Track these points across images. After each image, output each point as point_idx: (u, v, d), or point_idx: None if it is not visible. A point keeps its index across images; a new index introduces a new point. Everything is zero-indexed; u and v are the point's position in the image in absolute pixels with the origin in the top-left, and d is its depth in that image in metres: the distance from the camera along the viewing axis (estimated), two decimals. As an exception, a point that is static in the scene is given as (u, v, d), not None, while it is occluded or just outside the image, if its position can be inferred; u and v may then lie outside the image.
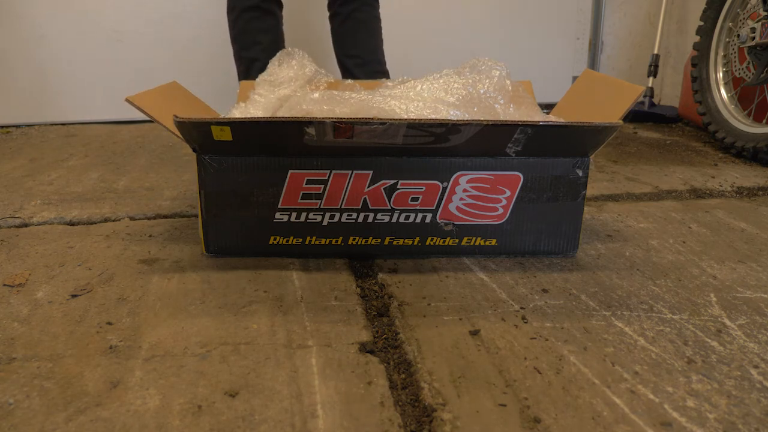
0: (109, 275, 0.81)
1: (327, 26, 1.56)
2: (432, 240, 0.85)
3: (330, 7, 1.47)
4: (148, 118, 0.83)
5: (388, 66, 2.09)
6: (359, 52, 1.43)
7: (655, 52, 1.97)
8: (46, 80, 1.91)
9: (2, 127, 1.89)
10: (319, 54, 1.89)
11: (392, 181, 0.81)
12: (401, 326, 0.68)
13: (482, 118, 0.85)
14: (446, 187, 0.82)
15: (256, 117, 0.73)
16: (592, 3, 2.16)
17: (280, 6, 1.47)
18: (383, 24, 2.03)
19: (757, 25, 1.43)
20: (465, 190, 0.82)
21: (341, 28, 1.45)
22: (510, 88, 1.01)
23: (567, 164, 0.82)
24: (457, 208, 0.83)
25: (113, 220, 1.02)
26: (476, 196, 0.83)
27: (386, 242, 0.84)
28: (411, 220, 0.83)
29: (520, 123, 0.75)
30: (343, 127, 0.73)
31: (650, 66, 1.96)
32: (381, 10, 2.02)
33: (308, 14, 1.98)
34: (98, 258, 0.86)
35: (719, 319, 0.71)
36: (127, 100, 0.80)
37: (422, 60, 2.09)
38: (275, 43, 1.45)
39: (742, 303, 0.74)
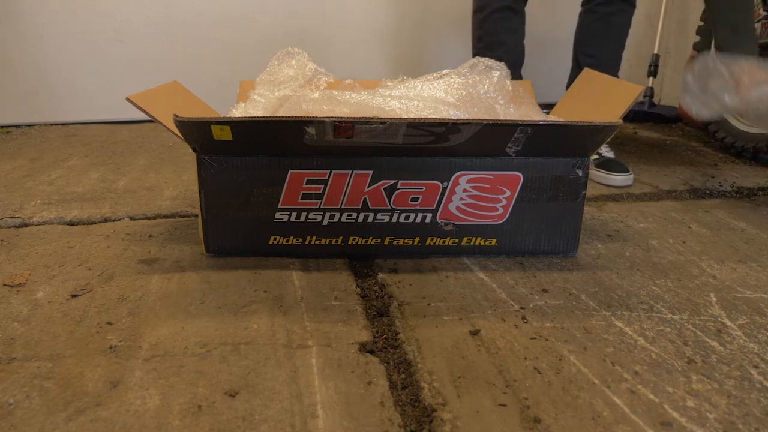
0: (109, 275, 0.81)
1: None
2: (432, 240, 0.85)
3: (588, 2, 1.44)
4: (148, 118, 0.83)
5: (386, 65, 2.09)
6: (599, 54, 1.42)
7: (655, 52, 1.97)
8: (46, 80, 1.91)
9: (2, 127, 1.89)
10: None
11: (392, 181, 0.81)
12: (401, 326, 0.68)
13: (482, 118, 0.85)
14: (446, 187, 0.82)
15: (256, 116, 0.73)
16: (592, 3, 2.15)
17: (526, 2, 1.45)
18: (379, 22, 2.04)
19: (758, 25, 1.43)
20: (465, 190, 0.82)
21: (592, 25, 1.43)
22: (510, 88, 1.01)
23: (567, 164, 0.82)
24: (457, 208, 0.83)
25: (113, 220, 1.02)
26: (476, 196, 0.83)
27: (386, 242, 0.84)
28: (411, 220, 0.83)
29: (520, 122, 0.74)
30: (343, 126, 0.73)
31: (650, 66, 1.96)
32: (379, 10, 2.02)
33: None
34: (98, 258, 0.86)
35: (719, 319, 0.71)
36: (127, 99, 0.80)
37: (422, 60, 2.09)
38: (519, 44, 1.44)
39: (742, 303, 0.74)
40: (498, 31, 1.40)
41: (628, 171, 1.25)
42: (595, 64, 1.37)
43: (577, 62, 1.47)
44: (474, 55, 1.46)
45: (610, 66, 1.43)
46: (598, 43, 1.43)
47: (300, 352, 0.63)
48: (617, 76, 1.45)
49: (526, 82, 1.16)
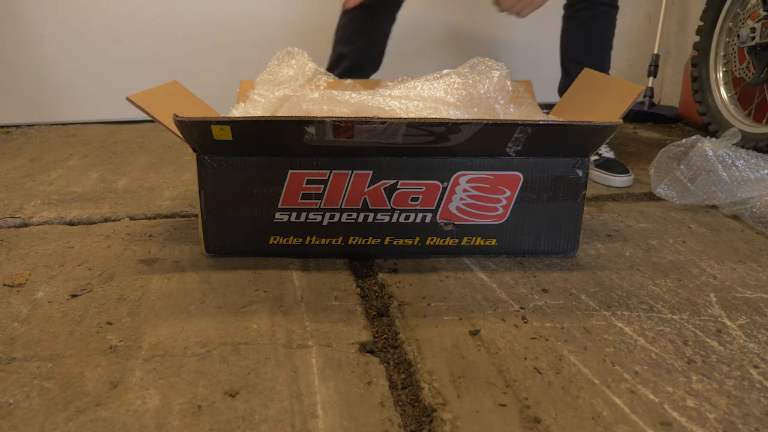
0: (109, 275, 0.81)
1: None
2: (432, 240, 0.85)
3: (568, 8, 1.42)
4: (148, 118, 0.83)
5: (388, 65, 2.09)
6: (588, 60, 1.37)
7: (655, 52, 1.97)
8: (46, 80, 1.91)
9: (2, 127, 1.89)
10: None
11: (392, 181, 0.81)
12: (401, 326, 0.68)
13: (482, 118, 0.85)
14: (446, 187, 0.82)
15: (256, 116, 0.73)
16: (592, 3, 2.15)
17: (397, 7, 1.41)
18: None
19: (757, 25, 1.43)
20: (465, 190, 0.82)
21: (575, 32, 1.41)
22: (510, 88, 1.01)
23: (567, 164, 0.82)
24: (457, 208, 0.83)
25: (113, 220, 1.02)
26: (476, 196, 0.83)
27: (386, 242, 0.84)
28: (411, 220, 0.83)
29: (520, 122, 0.74)
30: (343, 126, 0.73)
31: (650, 66, 1.96)
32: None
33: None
34: (98, 258, 0.86)
35: (719, 319, 0.71)
36: (127, 99, 0.80)
37: (423, 60, 2.09)
38: (373, 47, 1.41)
39: (742, 303, 0.74)
40: (351, 28, 1.37)
41: (629, 172, 1.25)
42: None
43: (565, 70, 1.45)
44: (332, 44, 1.44)
45: (600, 70, 1.41)
46: (585, 49, 1.40)
47: (300, 352, 0.63)
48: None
49: (526, 82, 1.16)
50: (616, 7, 1.38)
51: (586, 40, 1.40)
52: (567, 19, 1.43)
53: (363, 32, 1.39)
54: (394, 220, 0.83)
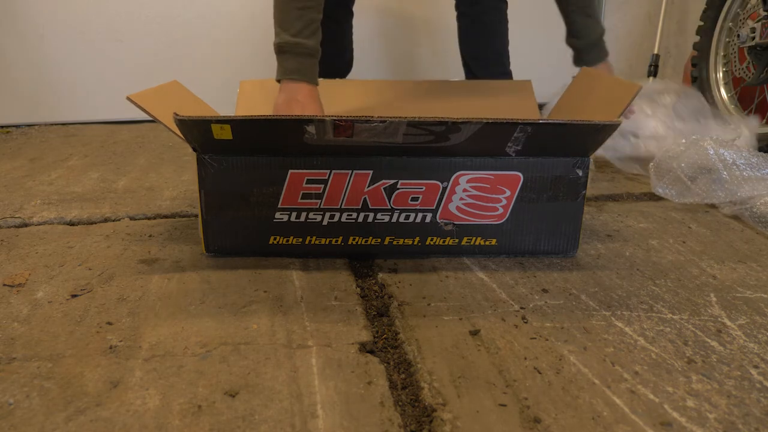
0: (109, 275, 0.81)
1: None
2: (432, 240, 0.85)
3: (457, 7, 1.44)
4: (148, 118, 0.83)
5: (388, 64, 2.09)
6: (484, 53, 1.42)
7: (655, 52, 1.97)
8: (46, 80, 1.91)
9: (2, 127, 1.89)
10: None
11: (392, 181, 0.81)
12: (401, 326, 0.68)
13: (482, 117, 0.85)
14: (446, 187, 0.82)
15: (256, 115, 0.73)
16: (592, 3, 2.16)
17: (349, 14, 1.44)
18: (379, 22, 2.04)
19: (757, 25, 1.43)
20: (465, 190, 0.82)
21: (468, 29, 1.43)
22: None
23: (567, 164, 0.82)
24: (457, 207, 0.83)
25: (113, 220, 1.02)
26: (476, 195, 0.83)
27: (386, 242, 0.84)
28: (411, 219, 0.83)
29: (519, 122, 0.74)
30: (344, 125, 0.73)
31: (650, 66, 1.96)
32: (379, 10, 2.02)
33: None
34: (98, 258, 0.86)
35: (719, 319, 0.70)
36: (128, 98, 0.80)
37: (424, 60, 2.09)
38: (342, 50, 1.42)
39: (742, 303, 0.74)
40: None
41: None
42: (482, 65, 1.35)
43: (468, 68, 1.46)
44: None
45: (498, 62, 1.42)
46: (478, 43, 1.42)
47: (300, 352, 0.63)
48: (509, 70, 1.46)
49: (527, 82, 1.16)
50: (505, 2, 1.42)
51: (478, 35, 1.42)
52: (459, 18, 1.45)
53: (326, 39, 1.40)
54: (394, 220, 0.83)
